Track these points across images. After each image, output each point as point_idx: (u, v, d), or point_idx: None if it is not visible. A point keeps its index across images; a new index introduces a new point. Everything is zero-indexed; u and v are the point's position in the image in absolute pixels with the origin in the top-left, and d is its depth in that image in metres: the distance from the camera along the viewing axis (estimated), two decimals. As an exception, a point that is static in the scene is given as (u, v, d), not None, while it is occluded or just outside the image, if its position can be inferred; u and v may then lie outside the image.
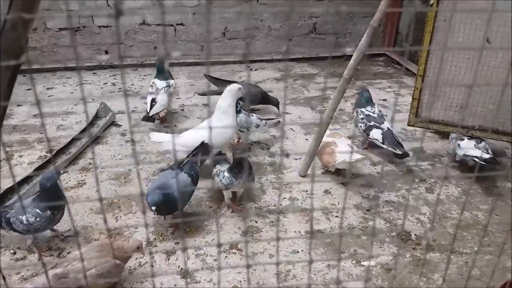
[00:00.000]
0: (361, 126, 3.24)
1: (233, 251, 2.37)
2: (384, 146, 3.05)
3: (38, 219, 2.22)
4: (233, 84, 3.08)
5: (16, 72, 1.25)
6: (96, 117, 3.71)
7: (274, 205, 2.74)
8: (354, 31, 5.57)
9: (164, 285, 2.15)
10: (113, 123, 3.75)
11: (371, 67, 5.35)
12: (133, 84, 4.65)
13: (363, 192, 2.89)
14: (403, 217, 2.65)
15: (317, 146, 2.96)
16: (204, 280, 2.18)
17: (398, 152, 3.01)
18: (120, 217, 2.65)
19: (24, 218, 2.20)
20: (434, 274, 2.26)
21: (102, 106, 3.75)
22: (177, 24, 5.13)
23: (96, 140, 3.48)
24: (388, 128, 3.11)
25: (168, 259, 2.32)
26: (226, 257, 2.33)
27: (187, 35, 5.21)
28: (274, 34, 5.40)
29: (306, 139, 3.57)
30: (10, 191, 2.72)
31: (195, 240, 2.45)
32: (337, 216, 2.65)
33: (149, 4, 4.90)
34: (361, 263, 2.31)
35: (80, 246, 2.11)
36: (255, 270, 2.23)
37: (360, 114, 3.25)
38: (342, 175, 3.01)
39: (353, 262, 2.31)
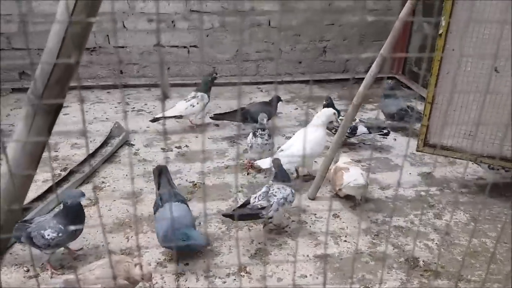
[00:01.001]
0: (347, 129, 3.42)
1: (242, 273, 2.40)
2: (373, 135, 3.79)
3: (60, 234, 2.29)
4: (329, 109, 3.38)
5: (56, 117, 1.35)
6: (110, 136, 3.79)
7: (283, 228, 2.77)
8: (363, 57, 5.64)
9: (173, 306, 2.18)
10: (126, 143, 3.83)
11: (380, 90, 5.40)
12: (146, 104, 4.75)
13: (372, 216, 2.92)
14: (411, 243, 2.66)
15: (326, 169, 3.01)
16: (213, 302, 2.21)
17: (384, 131, 3.76)
18: (131, 236, 2.69)
19: (46, 233, 2.27)
20: (442, 301, 2.26)
21: (116, 125, 3.84)
22: (190, 46, 5.26)
23: (109, 159, 3.56)
24: (360, 120, 3.82)
25: (178, 280, 2.35)
26: (235, 279, 2.36)
27: (201, 57, 5.33)
28: (284, 57, 5.50)
29: (315, 162, 3.61)
30: (25, 209, 2.79)
31: (204, 261, 2.48)
32: (345, 241, 2.67)
33: (164, 27, 5.03)
34: (369, 289, 2.32)
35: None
36: (263, 293, 2.26)
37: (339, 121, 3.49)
38: (351, 199, 3.03)
39: (361, 287, 2.32)
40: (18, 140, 1.33)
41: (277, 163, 2.77)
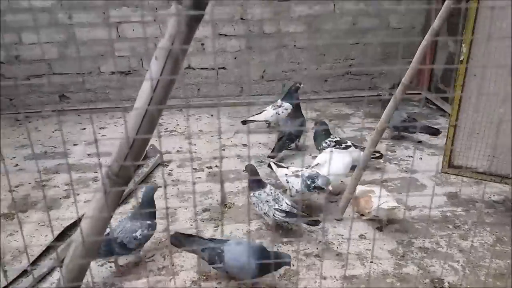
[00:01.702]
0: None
1: (272, 293, 2.53)
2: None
3: (150, 228, 2.65)
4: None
5: (121, 196, 1.56)
6: (145, 157, 4.01)
7: (309, 248, 2.89)
8: (388, 71, 5.72)
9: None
10: (160, 164, 4.04)
11: (406, 107, 5.45)
12: (178, 125, 4.98)
13: (397, 237, 3.00)
14: (436, 264, 2.73)
15: (353, 190, 3.11)
16: (245, 321, 2.35)
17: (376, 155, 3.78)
18: (167, 255, 2.87)
19: (138, 233, 2.60)
20: (467, 324, 2.32)
21: (151, 147, 4.06)
22: (219, 68, 5.48)
23: (145, 179, 3.77)
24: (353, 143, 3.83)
25: (212, 299, 2.50)
26: (266, 299, 2.49)
27: (228, 78, 5.54)
28: (310, 76, 5.65)
29: (342, 182, 3.72)
30: (70, 227, 3.01)
31: (235, 280, 2.63)
32: (372, 262, 2.77)
33: (194, 51, 5.27)
34: (395, 310, 2.40)
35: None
36: (292, 313, 2.38)
37: (330, 144, 3.78)
38: (377, 221, 3.12)
39: (387, 308, 2.41)
40: (92, 215, 1.55)
41: (249, 168, 3.15)
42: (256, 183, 3.06)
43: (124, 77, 5.39)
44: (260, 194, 3.01)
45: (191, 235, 2.70)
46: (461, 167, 3.10)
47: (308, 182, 3.06)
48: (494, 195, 3.48)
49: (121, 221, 2.71)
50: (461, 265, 2.75)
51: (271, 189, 3.05)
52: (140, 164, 3.91)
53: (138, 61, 5.40)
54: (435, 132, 4.31)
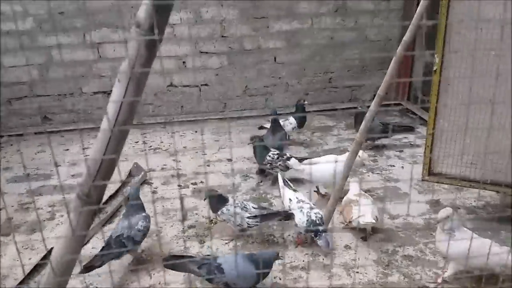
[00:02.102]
0: (280, 165, 3.75)
1: (260, 308, 2.53)
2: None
3: (147, 219, 2.88)
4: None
5: (95, 216, 1.59)
6: (129, 175, 4.00)
7: (295, 261, 2.90)
8: (367, 84, 5.84)
9: None
10: (145, 182, 4.03)
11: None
12: (162, 142, 4.98)
13: (382, 247, 3.03)
14: (421, 272, 2.76)
15: (336, 202, 3.14)
16: (234, 337, 2.34)
17: None
18: (154, 274, 2.85)
19: (139, 225, 2.80)
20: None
21: (135, 165, 4.05)
22: (201, 85, 5.52)
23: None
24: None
25: (200, 316, 2.49)
26: (254, 314, 2.49)
27: (212, 95, 5.58)
28: (291, 90, 5.73)
29: (326, 193, 3.76)
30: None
31: (224, 297, 2.62)
32: (357, 272, 2.79)
33: (176, 68, 5.31)
34: (382, 319, 2.43)
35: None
36: (281, 326, 2.38)
37: (273, 157, 3.77)
38: (362, 230, 3.16)
39: (374, 318, 2.43)
40: (67, 234, 1.57)
41: (208, 195, 3.13)
42: (218, 202, 3.07)
43: (107, 97, 5.39)
44: (228, 209, 3.03)
45: (182, 256, 2.71)
46: (441, 174, 3.17)
47: (310, 228, 2.89)
48: (474, 201, 3.56)
49: (117, 224, 2.88)
50: (445, 271, 2.78)
51: (235, 201, 3.08)
52: (125, 183, 3.90)
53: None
54: (409, 129, 4.67)
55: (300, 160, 3.81)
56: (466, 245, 2.33)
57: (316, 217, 2.92)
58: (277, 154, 3.81)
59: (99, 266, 2.64)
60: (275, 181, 3.74)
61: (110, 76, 5.35)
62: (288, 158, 3.78)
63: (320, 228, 2.86)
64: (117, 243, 2.73)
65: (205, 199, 3.18)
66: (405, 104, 5.79)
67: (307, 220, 2.90)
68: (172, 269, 2.66)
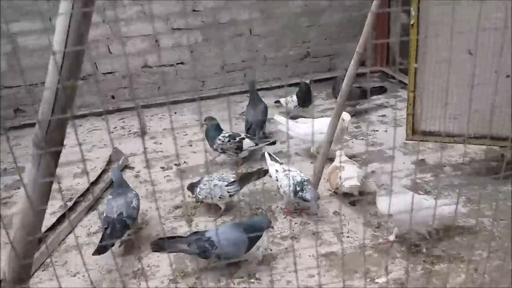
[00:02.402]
0: (231, 147, 3.64)
1: (252, 280, 2.49)
2: (260, 146, 3.74)
3: (137, 197, 2.92)
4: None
5: (59, 155, 1.49)
6: (110, 162, 3.89)
7: (285, 231, 2.87)
8: (345, 51, 5.73)
9: (190, 320, 2.27)
10: (126, 167, 3.92)
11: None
12: (141, 126, 4.85)
13: (371, 210, 3.01)
14: (411, 231, 2.75)
15: (321, 168, 3.10)
16: (228, 311, 2.30)
17: (270, 141, 3.75)
18: (142, 257, 2.78)
19: (133, 203, 2.84)
20: (447, 284, 2.35)
21: (115, 150, 3.93)
22: (177, 64, 5.37)
23: (111, 185, 3.64)
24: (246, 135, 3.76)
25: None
26: (245, 287, 2.45)
27: (188, 73, 5.43)
28: (269, 63, 5.61)
29: (311, 162, 3.71)
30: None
31: (215, 273, 2.58)
32: (348, 236, 2.77)
33: (149, 47, 5.14)
34: (375, 281, 2.41)
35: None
36: (274, 297, 2.35)
37: (223, 139, 3.64)
38: (350, 195, 3.13)
39: (367, 280, 2.42)
40: (29, 180, 1.48)
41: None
42: (193, 182, 3.12)
43: (80, 83, 5.20)
44: (205, 184, 3.01)
45: (170, 237, 2.65)
46: (425, 132, 3.14)
47: (297, 189, 2.84)
48: (460, 158, 3.55)
49: (109, 204, 2.82)
50: (435, 228, 2.78)
51: (210, 176, 3.10)
52: (105, 169, 3.79)
53: (92, 65, 5.22)
54: (383, 90, 4.77)
55: (259, 140, 3.79)
56: (400, 202, 2.24)
57: (301, 177, 2.88)
58: (228, 136, 3.63)
59: (112, 246, 2.65)
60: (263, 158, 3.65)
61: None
62: (241, 140, 3.66)
63: (306, 185, 2.84)
64: (120, 221, 2.70)
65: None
66: (384, 69, 5.73)
67: (293, 184, 2.86)
68: (161, 251, 2.60)
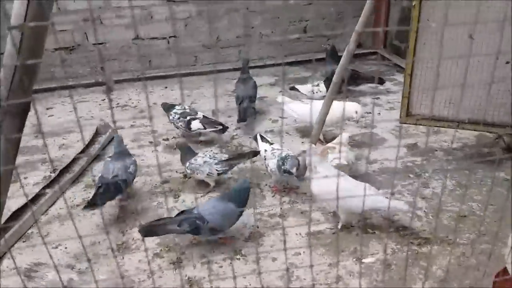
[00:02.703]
0: (182, 125, 3.60)
1: (237, 256, 2.46)
2: (208, 130, 3.60)
3: (136, 163, 2.91)
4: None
5: (24, 118, 1.40)
6: (97, 134, 3.80)
7: (272, 209, 2.83)
8: (344, 32, 5.65)
9: (172, 295, 2.23)
10: (113, 139, 3.83)
11: (364, 66, 5.42)
12: (130, 99, 4.75)
13: (360, 191, 2.97)
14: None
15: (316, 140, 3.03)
16: (211, 287, 2.26)
17: (219, 128, 3.57)
18: (126, 230, 2.73)
19: (130, 169, 2.82)
20: (433, 266, 2.33)
21: (102, 123, 3.84)
22: (169, 37, 5.23)
23: (97, 157, 3.57)
24: (204, 116, 3.64)
25: (175, 269, 2.39)
26: (231, 263, 2.41)
27: (181, 47, 5.31)
28: (265, 40, 5.50)
29: (303, 142, 3.66)
30: (19, 211, 2.80)
31: (200, 248, 2.53)
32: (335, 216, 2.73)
33: (141, 20, 5.00)
34: (362, 260, 2.39)
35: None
36: (260, 274, 2.31)
37: (174, 116, 3.62)
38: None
39: (354, 259, 2.39)
40: None
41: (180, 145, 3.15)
42: (188, 154, 3.05)
43: (69, 53, 5.07)
44: (196, 159, 2.99)
45: (158, 220, 2.54)
46: (419, 115, 3.10)
47: (280, 163, 2.80)
48: (451, 143, 3.52)
49: (106, 165, 2.83)
50: (424, 211, 2.76)
51: (203, 153, 3.06)
52: (92, 141, 3.70)
53: (83, 35, 5.07)
54: (380, 81, 4.58)
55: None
56: (330, 184, 1.99)
57: (286, 153, 2.85)
58: (180, 113, 3.62)
59: (102, 205, 2.71)
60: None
61: (72, 31, 5.00)
62: (190, 121, 3.59)
63: (289, 158, 2.81)
64: (114, 184, 2.71)
65: (175, 148, 3.08)
66: (382, 52, 5.65)
67: (278, 160, 2.82)
68: (151, 236, 2.52)
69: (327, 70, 4.43)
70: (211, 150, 3.44)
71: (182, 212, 2.53)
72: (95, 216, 2.85)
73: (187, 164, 3.00)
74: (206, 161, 2.96)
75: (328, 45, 4.62)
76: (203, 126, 3.59)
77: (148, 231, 2.45)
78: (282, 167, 2.78)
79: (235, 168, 3.16)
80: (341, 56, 2.79)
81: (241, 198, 2.43)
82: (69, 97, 4.90)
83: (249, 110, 3.91)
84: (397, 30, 5.49)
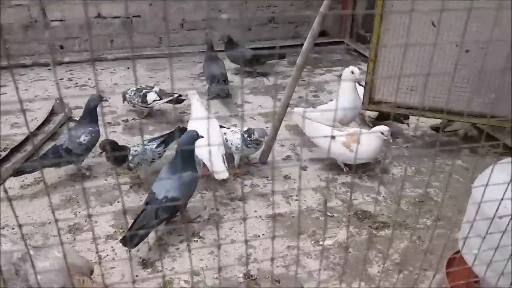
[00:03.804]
0: (138, 101, 3.57)
1: (195, 239, 2.40)
2: (164, 100, 3.58)
3: (93, 134, 2.78)
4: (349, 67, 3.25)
5: None
6: (52, 113, 3.62)
7: (232, 192, 2.78)
8: (311, 19, 5.63)
9: (125, 277, 2.15)
10: (70, 119, 3.67)
11: (330, 55, 5.45)
12: (89, 79, 4.56)
13: (321, 175, 2.97)
14: (359, 198, 2.74)
15: (275, 135, 3.00)
16: (166, 269, 2.20)
17: (176, 95, 3.61)
18: (79, 212, 2.62)
19: (82, 138, 2.74)
20: (390, 250, 2.35)
21: (58, 102, 3.67)
22: (133, 16, 5.06)
23: (52, 136, 3.40)
24: (160, 89, 3.66)
25: (129, 251, 2.31)
26: (188, 245, 2.35)
27: (145, 27, 5.14)
28: (232, 24, 5.40)
29: (267, 127, 3.62)
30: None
31: (157, 230, 2.45)
32: (296, 200, 2.72)
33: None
34: (320, 243, 2.38)
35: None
36: (216, 256, 2.26)
37: (130, 93, 3.61)
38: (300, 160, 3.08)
39: (312, 242, 2.38)
40: None
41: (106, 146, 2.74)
42: (121, 151, 2.74)
43: (25, 30, 4.80)
44: (136, 150, 2.71)
45: (133, 224, 2.23)
46: (381, 102, 3.11)
47: (245, 136, 2.79)
48: (412, 130, 3.58)
49: (65, 133, 2.93)
50: (383, 196, 2.79)
51: (133, 146, 2.78)
52: (46, 121, 3.53)
53: (39, 12, 4.81)
54: (280, 56, 4.81)
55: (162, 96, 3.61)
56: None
57: (248, 128, 2.86)
58: (136, 89, 3.59)
59: (30, 172, 2.72)
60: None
61: (28, 6, 4.73)
62: (145, 94, 3.55)
63: (252, 130, 2.80)
64: (55, 152, 2.69)
65: (101, 153, 2.69)
66: (348, 41, 5.69)
67: (242, 134, 2.81)
68: (139, 243, 2.21)
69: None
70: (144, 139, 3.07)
71: (146, 202, 2.34)
72: (47, 197, 2.72)
73: (130, 157, 2.69)
74: (146, 147, 2.74)
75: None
76: (159, 97, 3.56)
77: (134, 239, 2.15)
78: (249, 138, 2.77)
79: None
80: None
81: (188, 156, 2.35)
82: (24, 75, 4.65)
83: (222, 86, 3.89)
84: (363, 21, 5.53)
